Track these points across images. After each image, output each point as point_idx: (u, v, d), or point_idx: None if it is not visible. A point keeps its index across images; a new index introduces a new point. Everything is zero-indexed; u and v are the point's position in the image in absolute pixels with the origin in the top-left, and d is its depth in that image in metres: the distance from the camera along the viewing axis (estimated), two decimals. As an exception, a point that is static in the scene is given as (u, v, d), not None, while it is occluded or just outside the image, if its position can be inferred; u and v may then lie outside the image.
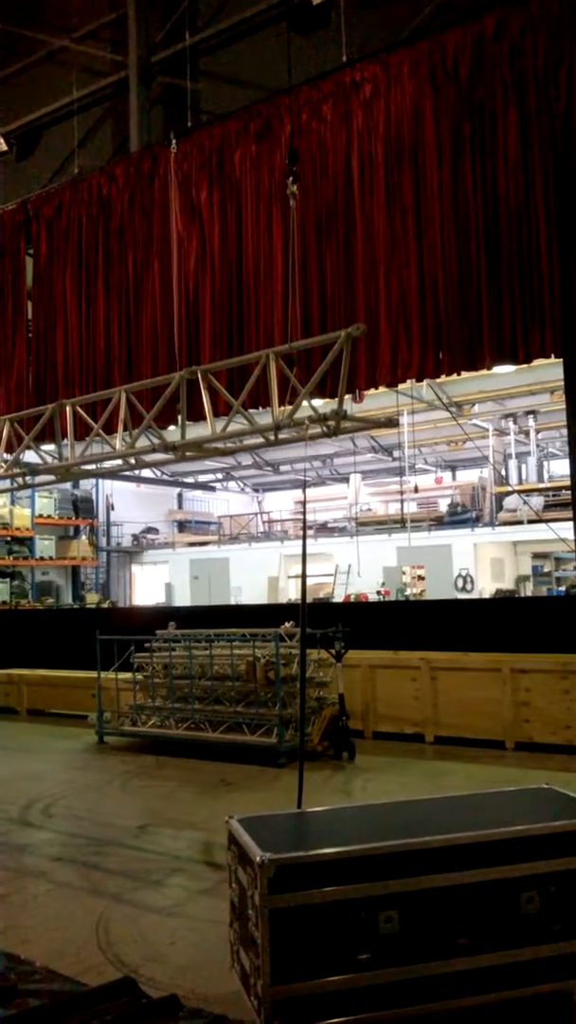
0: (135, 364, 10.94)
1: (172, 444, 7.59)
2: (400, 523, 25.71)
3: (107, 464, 11.11)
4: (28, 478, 9.32)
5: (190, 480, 33.28)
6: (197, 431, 8.00)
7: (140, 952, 4.28)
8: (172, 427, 10.03)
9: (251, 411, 9.48)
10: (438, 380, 18.68)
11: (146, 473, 27.88)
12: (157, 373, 10.54)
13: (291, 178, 8.86)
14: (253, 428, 7.33)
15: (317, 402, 8.54)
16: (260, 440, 7.42)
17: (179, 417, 7.71)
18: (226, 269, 10.22)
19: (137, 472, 22.09)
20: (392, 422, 8.24)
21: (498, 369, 12.21)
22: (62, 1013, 3.53)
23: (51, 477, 10.85)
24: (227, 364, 8.64)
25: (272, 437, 6.94)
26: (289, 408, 6.77)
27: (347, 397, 8.20)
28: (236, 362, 8.47)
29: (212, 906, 4.82)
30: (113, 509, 30.72)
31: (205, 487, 34.74)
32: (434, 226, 8.90)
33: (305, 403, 6.78)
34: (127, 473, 20.19)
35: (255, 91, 10.86)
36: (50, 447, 9.06)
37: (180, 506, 35.21)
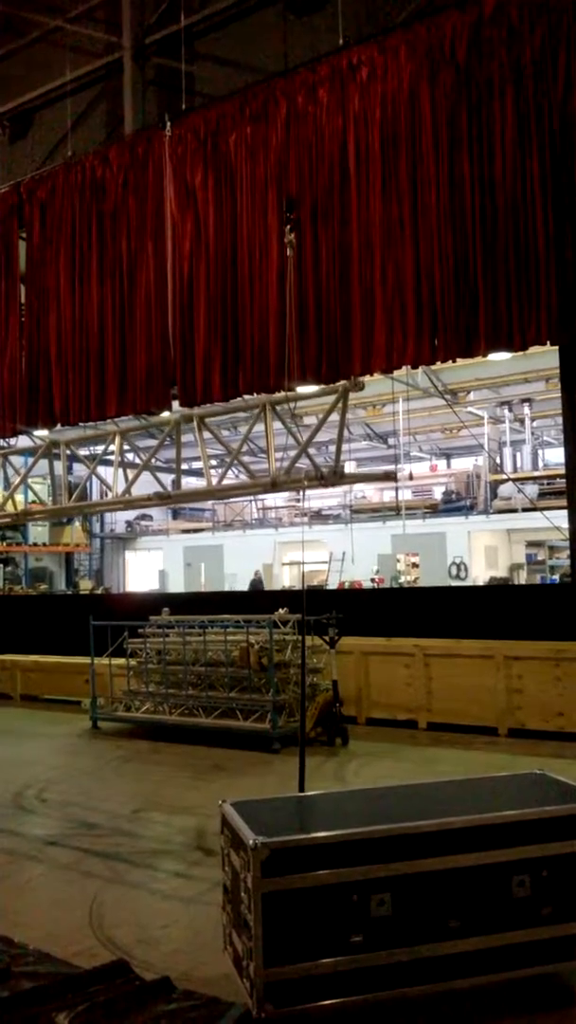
0: (129, 348, 10.84)
1: (168, 494, 7.56)
2: (395, 511, 25.73)
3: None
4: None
5: (185, 467, 33.21)
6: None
7: (133, 935, 4.30)
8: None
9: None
10: (433, 367, 18.74)
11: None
12: (151, 357, 10.46)
13: (288, 226, 8.63)
14: (250, 483, 7.29)
15: (313, 389, 8.48)
16: (256, 488, 7.36)
17: (176, 462, 7.68)
18: (221, 253, 10.14)
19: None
20: (389, 476, 8.21)
21: (493, 356, 12.13)
22: (55, 995, 3.54)
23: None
24: (224, 409, 8.54)
25: (268, 487, 6.89)
26: (287, 463, 6.66)
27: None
28: (233, 408, 8.36)
29: (205, 889, 4.84)
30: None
31: (199, 474, 34.67)
32: (430, 211, 8.84)
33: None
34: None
35: (251, 73, 10.74)
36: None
37: (174, 492, 35.14)
